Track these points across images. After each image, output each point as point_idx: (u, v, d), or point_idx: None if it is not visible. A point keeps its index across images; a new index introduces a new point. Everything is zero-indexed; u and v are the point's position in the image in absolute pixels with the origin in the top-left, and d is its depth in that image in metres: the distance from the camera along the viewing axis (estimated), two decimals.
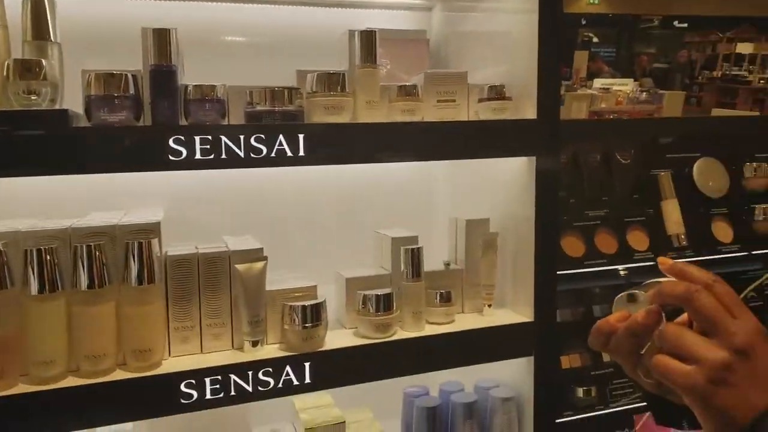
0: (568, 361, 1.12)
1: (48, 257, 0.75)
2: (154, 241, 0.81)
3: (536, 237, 0.99)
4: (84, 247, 0.77)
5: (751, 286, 1.29)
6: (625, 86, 1.88)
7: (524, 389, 1.05)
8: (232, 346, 0.90)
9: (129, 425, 0.94)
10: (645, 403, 1.05)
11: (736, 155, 1.31)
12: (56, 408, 0.76)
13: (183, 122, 0.84)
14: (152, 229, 0.83)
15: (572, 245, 1.10)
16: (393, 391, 1.11)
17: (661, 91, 1.82)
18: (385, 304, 0.95)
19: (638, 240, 1.16)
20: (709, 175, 1.26)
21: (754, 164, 1.32)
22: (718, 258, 1.23)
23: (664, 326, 0.48)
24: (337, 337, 0.95)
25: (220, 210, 1.07)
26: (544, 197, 0.99)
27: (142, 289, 0.80)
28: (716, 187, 1.27)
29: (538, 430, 1.03)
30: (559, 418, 1.08)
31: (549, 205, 1.00)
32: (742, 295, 1.32)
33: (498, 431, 1.04)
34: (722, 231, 1.27)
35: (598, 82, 1.89)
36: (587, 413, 1.12)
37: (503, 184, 1.06)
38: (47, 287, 0.75)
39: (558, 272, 1.02)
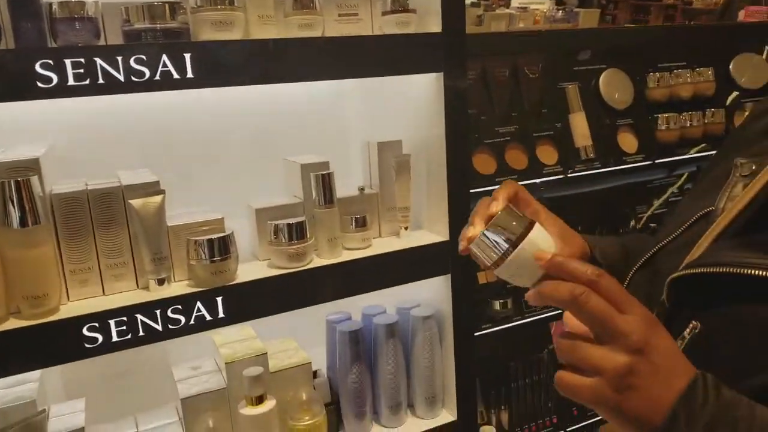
0: (485, 276, 1.17)
1: None
2: (34, 179, 0.75)
3: (448, 156, 1.00)
4: None
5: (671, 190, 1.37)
6: (542, 5, 1.89)
7: (443, 307, 1.09)
8: (137, 286, 0.87)
9: (36, 374, 0.90)
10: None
11: (640, 67, 1.36)
12: None
13: (52, 45, 0.76)
14: (31, 166, 0.77)
15: (484, 163, 1.12)
16: (317, 320, 1.13)
17: (577, 9, 1.85)
18: (297, 232, 0.94)
19: (547, 154, 1.20)
20: (614, 86, 1.31)
21: (657, 74, 1.38)
22: (624, 168, 1.30)
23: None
24: (251, 270, 0.94)
25: (113, 144, 1.00)
26: (453, 115, 0.99)
27: (27, 231, 0.75)
28: (621, 98, 1.32)
29: (458, 344, 1.08)
30: (477, 331, 1.14)
31: (459, 123, 1.00)
32: (664, 197, 1.39)
33: (420, 348, 1.08)
34: (627, 141, 1.33)
35: (516, 2, 1.90)
36: (504, 324, 1.18)
37: (413, 104, 1.05)
38: None
39: (471, 190, 1.04)
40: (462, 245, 0.54)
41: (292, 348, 1.09)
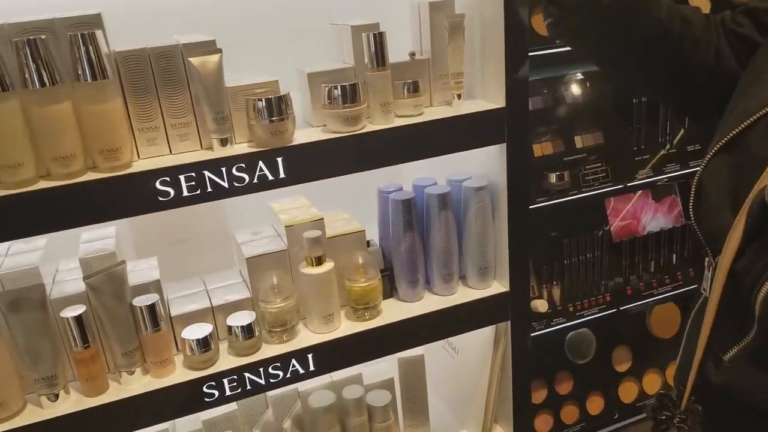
0: (541, 149, 1.21)
1: None
2: (99, 33, 0.82)
3: (506, 15, 1.02)
4: (26, 42, 0.78)
5: None
6: None
7: (497, 178, 1.14)
8: (201, 146, 0.96)
9: (111, 229, 1.02)
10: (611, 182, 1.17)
11: None
12: (33, 211, 0.83)
13: None
14: (93, 22, 0.83)
15: (543, 23, 1.12)
16: (367, 197, 1.20)
17: None
18: (351, 95, 0.99)
19: None
20: None
21: None
22: None
23: None
24: (306, 134, 1.01)
25: (166, 13, 1.06)
26: None
27: (97, 85, 0.83)
28: None
29: (512, 217, 1.14)
30: (532, 204, 1.19)
31: None
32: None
33: (472, 219, 1.15)
34: None
35: None
36: (560, 198, 1.23)
37: None
38: None
39: (530, 53, 1.05)
40: None
41: (345, 218, 1.18)
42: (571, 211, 1.26)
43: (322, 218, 1.09)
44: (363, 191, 1.19)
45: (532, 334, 1.26)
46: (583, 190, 1.25)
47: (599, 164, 1.27)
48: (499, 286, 1.20)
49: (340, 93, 0.99)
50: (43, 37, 0.79)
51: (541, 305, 1.27)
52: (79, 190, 0.84)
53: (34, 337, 0.91)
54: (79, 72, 0.82)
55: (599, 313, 1.36)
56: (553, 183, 1.21)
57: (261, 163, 0.93)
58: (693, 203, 0.70)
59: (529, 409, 1.30)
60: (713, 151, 0.68)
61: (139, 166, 0.89)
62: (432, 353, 1.31)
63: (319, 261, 1.05)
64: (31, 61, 0.79)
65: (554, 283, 1.30)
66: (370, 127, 1.03)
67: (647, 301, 1.38)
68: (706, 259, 0.71)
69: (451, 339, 1.35)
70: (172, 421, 1.13)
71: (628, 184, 1.28)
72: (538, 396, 1.36)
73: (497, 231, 1.16)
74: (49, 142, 0.83)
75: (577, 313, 1.34)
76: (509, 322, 1.20)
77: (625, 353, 1.41)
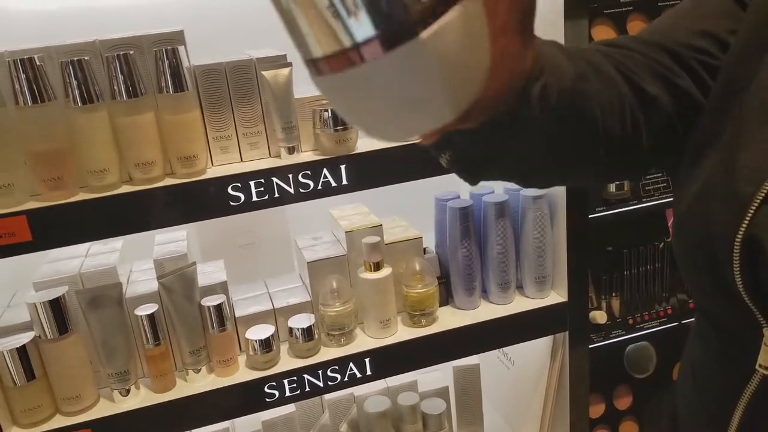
0: None
1: (86, 68, 0.88)
2: (181, 48, 0.92)
3: (566, 26, 1.08)
4: (117, 56, 0.89)
5: None
6: None
7: (556, 188, 1.20)
8: (270, 154, 1.05)
9: (183, 233, 1.12)
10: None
11: None
12: (115, 213, 0.93)
13: None
14: (176, 38, 0.94)
15: (603, 34, 1.18)
16: (423, 206, 1.27)
17: None
18: None
19: None
20: None
21: None
22: None
23: None
24: (368, 143, 1.09)
25: (234, 28, 1.16)
26: None
27: (177, 97, 0.93)
28: None
29: (570, 226, 1.20)
30: (591, 214, 1.24)
31: None
32: None
33: (530, 228, 1.21)
34: None
35: None
36: (619, 208, 1.27)
37: None
38: (89, 98, 0.89)
39: None
40: None
41: (402, 225, 1.25)
42: (632, 221, 1.29)
43: (381, 225, 1.16)
44: (419, 200, 1.26)
45: (590, 346, 1.30)
46: (644, 199, 1.29)
47: (660, 174, 1.31)
48: (556, 296, 1.25)
49: None
50: (131, 52, 0.90)
51: (599, 316, 1.31)
52: (158, 194, 0.94)
53: (110, 333, 1.01)
54: (162, 85, 0.92)
55: (660, 326, 1.38)
56: (613, 192, 1.25)
57: (325, 170, 1.02)
58: (741, 262, 0.50)
59: (586, 424, 1.34)
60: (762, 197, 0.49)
61: (213, 172, 0.99)
62: (487, 363, 1.37)
63: (378, 266, 1.13)
64: (119, 74, 0.89)
65: (613, 294, 1.34)
66: None
67: None
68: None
69: (506, 349, 1.41)
70: (231, 422, 1.22)
71: None
72: (596, 411, 1.39)
73: (555, 240, 1.22)
74: (133, 149, 0.93)
75: (637, 326, 1.37)
76: (567, 333, 1.25)
77: None
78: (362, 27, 0.30)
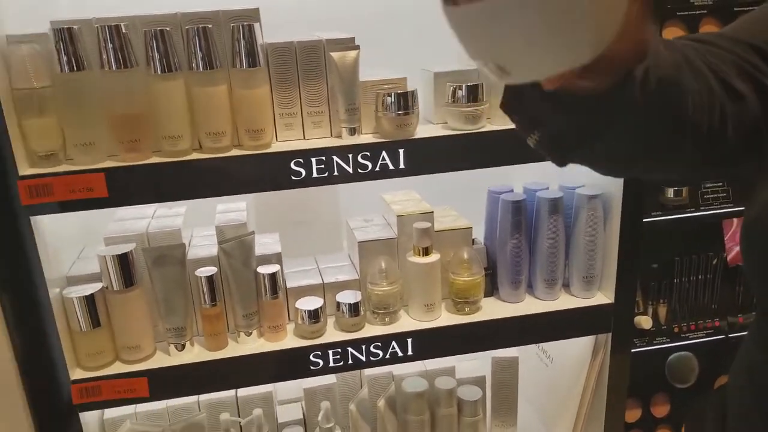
0: None
1: (167, 39, 0.93)
2: (256, 25, 0.97)
3: None
4: (196, 29, 0.94)
5: None
6: None
7: (611, 189, 1.19)
8: (331, 134, 1.09)
9: (243, 203, 1.18)
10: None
11: None
12: (184, 178, 0.99)
13: None
14: (252, 15, 0.98)
15: (674, 35, 1.16)
16: (474, 197, 1.29)
17: None
18: (474, 95, 1.09)
19: None
20: None
21: None
22: None
23: None
24: (428, 129, 1.12)
25: (303, 11, 1.21)
26: None
27: (250, 72, 0.98)
28: None
29: (624, 228, 1.19)
30: (646, 218, 1.23)
31: None
32: None
33: (582, 227, 1.21)
34: None
35: None
36: (676, 214, 1.26)
37: None
38: (168, 67, 0.95)
39: None
40: None
41: (453, 215, 1.28)
42: (687, 229, 1.28)
43: (432, 211, 1.19)
44: (470, 193, 1.28)
45: (632, 351, 1.30)
46: (702, 208, 1.27)
47: (721, 183, 1.28)
48: (603, 297, 1.26)
49: (464, 93, 1.09)
50: (210, 26, 0.95)
51: (645, 322, 1.31)
52: (226, 163, 0.99)
53: (171, 290, 1.08)
54: (237, 59, 0.97)
55: (706, 337, 1.36)
56: (670, 198, 1.24)
57: (384, 153, 1.05)
58: None
59: (621, 428, 1.34)
60: None
61: (277, 147, 1.03)
62: (526, 358, 1.39)
63: (426, 251, 1.15)
64: (197, 46, 0.95)
65: (661, 301, 1.33)
66: (489, 127, 1.12)
67: None
68: None
69: (546, 346, 1.42)
70: (274, 386, 1.28)
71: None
72: (632, 415, 1.39)
73: (607, 241, 1.22)
74: (205, 118, 0.99)
75: (682, 335, 1.36)
76: (610, 335, 1.25)
77: None
78: None
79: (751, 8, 1.20)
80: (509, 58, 0.37)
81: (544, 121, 0.54)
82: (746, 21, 0.63)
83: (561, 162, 0.59)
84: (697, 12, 1.18)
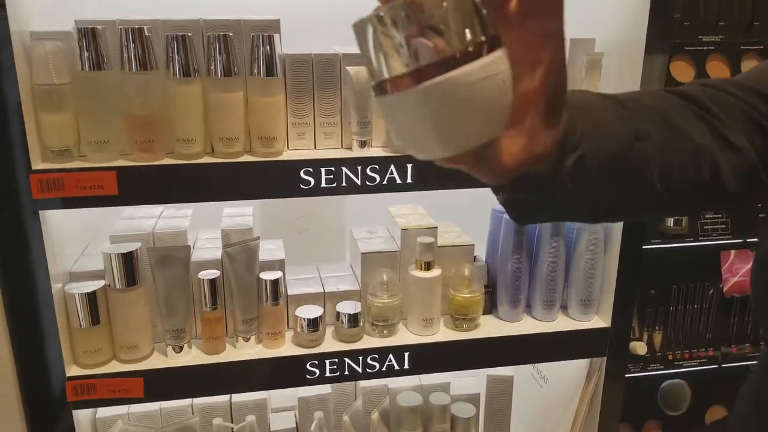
0: None
1: (188, 44, 0.95)
2: (276, 36, 0.99)
3: (645, 60, 1.10)
4: (217, 37, 0.96)
5: None
6: None
7: None
8: (342, 145, 1.11)
9: (250, 209, 1.19)
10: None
11: None
12: (195, 181, 1.00)
13: None
14: (273, 26, 1.01)
15: (681, 70, 1.19)
16: (477, 216, 1.31)
17: None
18: None
19: None
20: None
21: None
22: None
23: None
24: None
25: (323, 24, 1.23)
26: (657, 18, 1.08)
27: (267, 81, 1.00)
28: None
29: (623, 253, 1.21)
30: (646, 245, 1.25)
31: (662, 26, 1.09)
32: None
33: (582, 250, 1.23)
34: None
35: None
36: (675, 243, 1.28)
37: (612, 4, 1.15)
38: (186, 71, 0.96)
39: None
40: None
41: (456, 231, 1.29)
42: (685, 258, 1.30)
43: (436, 227, 1.21)
44: (473, 211, 1.30)
45: (626, 375, 1.31)
46: (701, 238, 1.29)
47: (720, 215, 1.31)
48: (599, 321, 1.27)
49: None
50: (230, 34, 0.97)
51: (640, 347, 1.32)
52: (237, 168, 1.01)
53: (173, 291, 1.09)
54: (255, 67, 0.99)
55: (699, 366, 1.38)
56: (670, 227, 1.26)
57: (392, 167, 1.07)
58: None
59: None
60: None
61: (288, 155, 1.05)
62: (521, 378, 1.40)
63: (429, 266, 1.17)
64: (217, 53, 0.97)
65: (657, 327, 1.34)
66: None
67: (753, 363, 1.39)
68: None
69: (541, 367, 1.43)
70: (268, 394, 1.29)
71: (748, 240, 1.32)
72: None
73: (606, 266, 1.24)
74: (220, 123, 1.00)
75: (676, 363, 1.38)
76: (605, 359, 1.26)
77: (719, 413, 1.42)
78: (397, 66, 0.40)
79: (757, 47, 1.23)
80: (408, 144, 0.45)
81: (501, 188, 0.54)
82: (755, 69, 0.64)
83: (519, 223, 0.60)
84: (705, 48, 1.21)
